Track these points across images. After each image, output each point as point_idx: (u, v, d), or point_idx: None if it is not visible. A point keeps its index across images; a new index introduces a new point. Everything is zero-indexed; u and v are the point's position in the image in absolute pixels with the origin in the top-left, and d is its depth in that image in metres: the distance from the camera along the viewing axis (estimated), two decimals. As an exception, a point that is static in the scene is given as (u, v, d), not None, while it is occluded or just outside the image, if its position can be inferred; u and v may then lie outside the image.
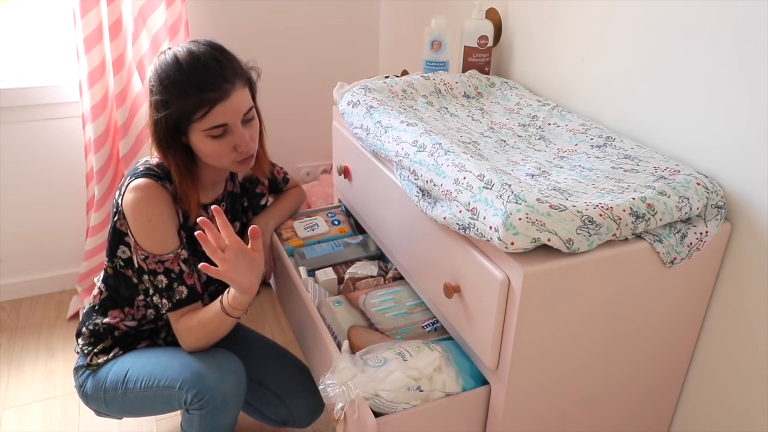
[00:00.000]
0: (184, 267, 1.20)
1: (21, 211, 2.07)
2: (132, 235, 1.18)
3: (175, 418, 1.68)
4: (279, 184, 1.55)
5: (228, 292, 1.18)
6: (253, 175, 1.45)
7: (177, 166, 1.19)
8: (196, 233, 1.10)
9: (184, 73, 1.11)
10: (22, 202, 2.06)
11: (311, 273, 1.39)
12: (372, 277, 1.36)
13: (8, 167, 2.00)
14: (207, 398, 1.19)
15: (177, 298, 1.20)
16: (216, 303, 1.20)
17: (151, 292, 1.22)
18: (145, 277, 1.20)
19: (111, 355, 1.30)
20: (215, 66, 1.12)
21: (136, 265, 1.20)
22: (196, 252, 1.26)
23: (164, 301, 1.20)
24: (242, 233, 1.44)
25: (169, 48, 1.17)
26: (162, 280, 1.19)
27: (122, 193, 1.20)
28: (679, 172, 1.01)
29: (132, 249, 1.21)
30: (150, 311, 1.32)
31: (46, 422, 1.67)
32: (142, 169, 1.21)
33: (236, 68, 1.16)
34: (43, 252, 2.16)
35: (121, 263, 1.26)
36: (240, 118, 1.16)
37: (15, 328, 2.04)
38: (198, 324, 1.21)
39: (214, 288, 1.37)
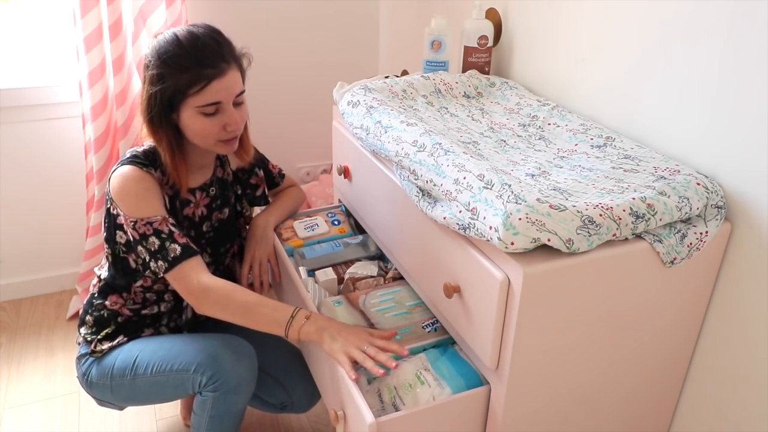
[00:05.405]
0: (174, 229, 1.21)
1: (21, 211, 2.07)
2: (122, 212, 1.20)
3: (175, 418, 1.68)
4: (275, 178, 1.57)
5: (307, 322, 1.13)
6: (244, 165, 1.47)
7: (168, 143, 1.22)
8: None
9: (183, 48, 1.15)
10: (23, 202, 2.06)
11: (311, 273, 1.39)
12: (372, 277, 1.36)
13: (8, 167, 2.00)
14: (222, 380, 1.21)
15: (171, 255, 1.19)
16: (282, 308, 1.16)
17: (147, 259, 1.20)
18: (140, 248, 1.20)
19: (116, 342, 1.31)
20: (213, 45, 1.17)
21: (130, 238, 1.21)
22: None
23: (160, 263, 1.19)
24: (235, 219, 1.46)
25: (168, 29, 1.21)
26: (154, 242, 1.18)
27: (109, 180, 1.23)
28: (679, 172, 1.01)
29: (124, 226, 1.22)
30: (150, 294, 1.33)
31: (46, 422, 1.67)
32: (128, 156, 1.24)
33: (232, 50, 1.21)
34: (43, 252, 2.16)
35: (123, 249, 1.27)
36: (233, 98, 1.20)
37: (15, 328, 2.04)
38: (242, 300, 1.17)
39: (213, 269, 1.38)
